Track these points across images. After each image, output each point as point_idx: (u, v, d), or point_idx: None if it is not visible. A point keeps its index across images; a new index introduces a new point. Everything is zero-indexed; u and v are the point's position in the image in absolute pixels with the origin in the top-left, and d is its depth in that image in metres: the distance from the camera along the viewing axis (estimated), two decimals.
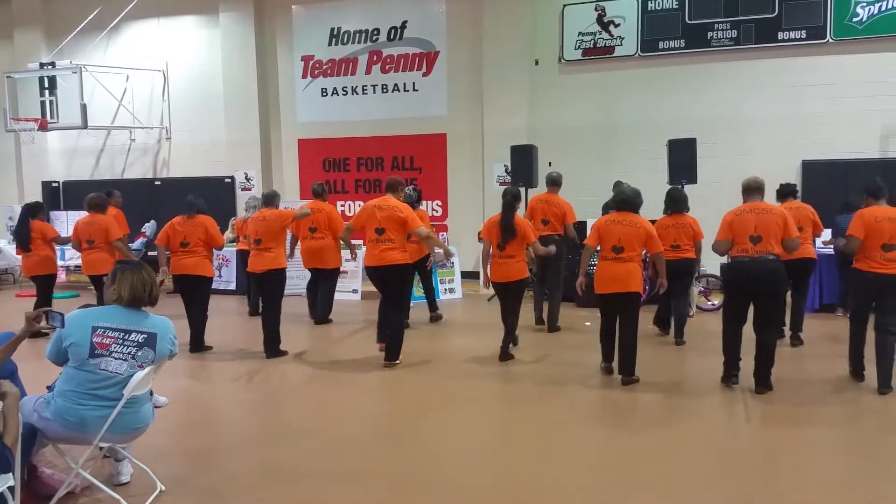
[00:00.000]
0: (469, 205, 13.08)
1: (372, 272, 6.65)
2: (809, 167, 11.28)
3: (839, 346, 6.37)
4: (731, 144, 11.66)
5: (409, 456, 4.55)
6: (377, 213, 6.58)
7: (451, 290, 11.65)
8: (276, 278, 7.33)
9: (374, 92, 13.88)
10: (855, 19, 11.07)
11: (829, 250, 8.69)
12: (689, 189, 9.13)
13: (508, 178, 11.77)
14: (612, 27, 12.33)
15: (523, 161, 10.86)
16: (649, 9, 12.08)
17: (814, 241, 7.47)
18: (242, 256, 9.64)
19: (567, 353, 7.38)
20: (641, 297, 6.13)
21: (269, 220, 7.37)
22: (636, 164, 11.58)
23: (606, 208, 11.10)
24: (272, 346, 7.30)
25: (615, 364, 6.15)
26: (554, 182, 8.64)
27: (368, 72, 13.87)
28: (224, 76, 14.25)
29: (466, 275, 12.06)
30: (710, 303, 9.93)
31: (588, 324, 8.53)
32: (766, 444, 4.73)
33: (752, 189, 5.72)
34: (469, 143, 13.26)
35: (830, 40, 11.22)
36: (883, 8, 10.92)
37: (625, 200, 6.17)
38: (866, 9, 11.01)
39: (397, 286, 6.72)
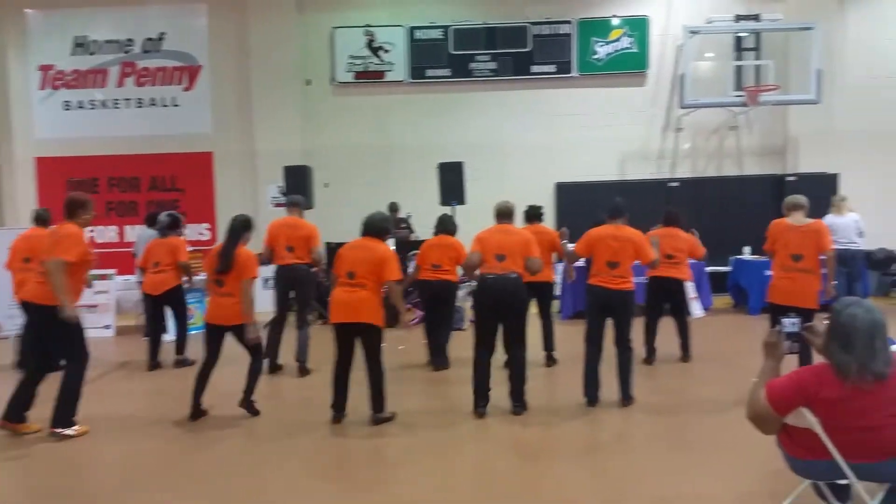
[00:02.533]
0: None
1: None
2: (562, 188, 12.37)
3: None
4: (495, 168, 12.41)
5: None
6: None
7: None
8: None
9: (129, 106, 12.80)
10: (595, 57, 12.40)
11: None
12: (459, 210, 9.49)
13: (283, 199, 11.40)
14: (381, 52, 12.59)
15: (298, 182, 10.59)
16: (416, 37, 12.52)
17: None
18: None
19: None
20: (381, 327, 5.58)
21: None
22: (411, 186, 11.85)
23: None
24: None
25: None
26: (296, 204, 7.60)
27: (121, 84, 12.76)
28: None
29: None
30: None
31: (402, 347, 8.32)
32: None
33: (503, 213, 6.06)
34: (239, 163, 12.72)
35: (576, 75, 12.45)
36: (617, 48, 12.37)
37: (368, 224, 5.66)
38: (604, 48, 12.39)
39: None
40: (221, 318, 5.61)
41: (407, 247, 10.67)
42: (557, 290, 7.44)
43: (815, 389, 2.90)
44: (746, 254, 10.60)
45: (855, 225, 9.62)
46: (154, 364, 7.64)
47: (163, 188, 12.84)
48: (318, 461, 4.84)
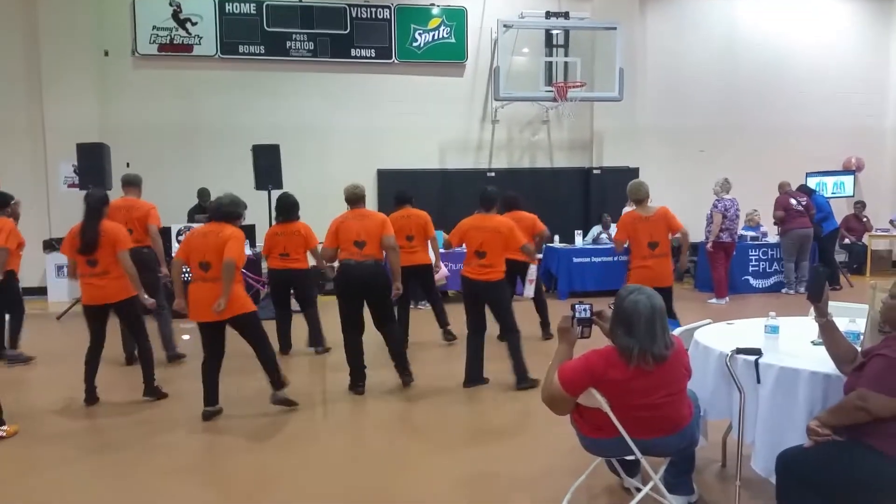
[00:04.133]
0: (31, 210, 11.12)
1: None
2: (384, 175, 12.28)
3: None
4: (315, 151, 12.06)
5: None
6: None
7: None
8: None
9: None
10: (414, 44, 12.41)
11: None
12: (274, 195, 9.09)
13: (77, 178, 10.35)
14: (188, 24, 11.75)
15: (93, 161, 9.64)
16: (227, 11, 11.81)
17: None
18: None
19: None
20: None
21: None
22: (223, 170, 11.19)
23: (192, 215, 10.58)
24: None
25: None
26: (131, 183, 7.13)
27: None
28: None
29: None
30: None
31: (186, 337, 7.82)
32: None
33: (356, 198, 5.92)
34: (27, 139, 11.39)
35: (396, 61, 12.38)
36: (436, 37, 12.45)
37: (215, 208, 5.29)
38: (423, 36, 12.42)
39: None
40: (102, 297, 5.44)
41: None
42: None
43: (602, 371, 2.99)
44: (556, 242, 11.11)
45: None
46: None
47: None
48: (189, 455, 4.53)
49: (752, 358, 3.30)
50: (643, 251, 6.37)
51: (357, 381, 5.84)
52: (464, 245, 6.05)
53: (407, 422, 5.27)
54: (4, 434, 4.82)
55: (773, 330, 3.65)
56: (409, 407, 5.54)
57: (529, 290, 7.69)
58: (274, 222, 7.44)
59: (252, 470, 4.31)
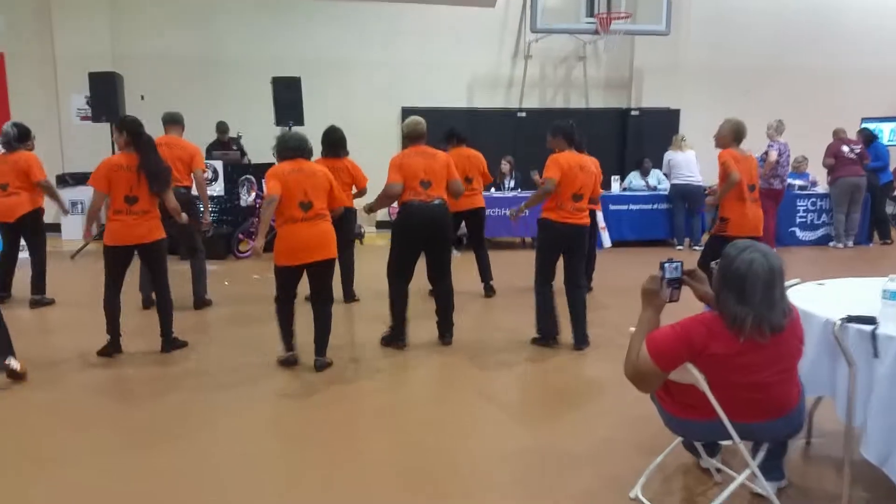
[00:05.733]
0: (43, 145, 10.63)
1: None
2: (409, 114, 11.55)
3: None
4: (335, 87, 11.43)
5: None
6: None
7: None
8: None
9: None
10: None
11: None
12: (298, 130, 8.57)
13: (90, 111, 9.86)
14: None
15: (106, 92, 9.16)
16: None
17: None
18: None
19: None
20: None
21: None
22: (242, 104, 10.66)
23: (211, 151, 10.09)
24: None
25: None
26: (175, 121, 6.59)
27: None
28: None
29: None
30: None
31: (256, 277, 7.52)
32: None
33: (419, 134, 5.33)
34: (38, 67, 10.89)
35: None
36: None
37: (294, 148, 4.82)
38: None
39: None
40: (135, 236, 5.02)
41: (239, 171, 9.63)
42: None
43: (703, 343, 2.51)
44: None
45: (695, 160, 9.81)
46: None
47: None
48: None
49: (869, 328, 2.80)
50: (744, 193, 5.49)
51: (401, 335, 5.37)
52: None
53: (450, 384, 4.83)
54: (18, 368, 4.50)
55: (894, 296, 3.11)
56: (452, 365, 5.10)
57: (607, 240, 7.31)
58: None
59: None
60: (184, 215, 5.43)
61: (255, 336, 5.62)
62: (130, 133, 4.92)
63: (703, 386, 2.57)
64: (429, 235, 5.20)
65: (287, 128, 9.14)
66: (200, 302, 6.51)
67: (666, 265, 2.79)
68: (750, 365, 2.50)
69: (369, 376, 4.82)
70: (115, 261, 5.04)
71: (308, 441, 3.78)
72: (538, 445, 3.68)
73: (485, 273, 7.10)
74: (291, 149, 4.78)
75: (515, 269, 7.72)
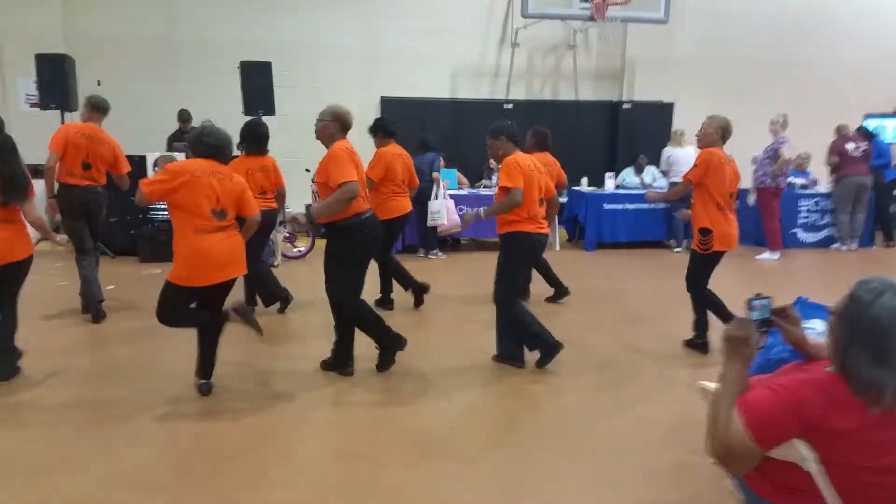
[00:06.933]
0: None
1: None
2: (388, 104, 10.91)
3: None
4: (309, 74, 10.64)
5: None
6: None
7: None
8: None
9: None
10: None
11: None
12: (268, 121, 7.79)
13: (37, 98, 8.96)
14: None
15: (55, 75, 8.26)
16: None
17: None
18: None
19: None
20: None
21: None
22: (204, 91, 9.85)
23: (171, 142, 9.30)
24: None
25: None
26: (98, 108, 5.86)
27: None
28: None
29: None
30: (295, 249, 8.91)
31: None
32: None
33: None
34: None
35: None
36: None
37: (211, 145, 4.02)
38: None
39: None
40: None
41: None
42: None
43: (821, 415, 1.85)
44: (584, 185, 9.92)
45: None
46: None
47: None
48: None
49: None
50: (726, 201, 4.96)
51: (391, 358, 4.62)
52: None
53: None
54: None
55: None
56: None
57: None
58: (240, 154, 5.81)
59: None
60: (62, 237, 4.63)
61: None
62: None
63: (814, 468, 1.92)
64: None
65: (257, 116, 8.33)
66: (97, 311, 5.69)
67: (755, 302, 2.14)
68: (882, 443, 1.85)
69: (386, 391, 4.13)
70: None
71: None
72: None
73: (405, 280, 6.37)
74: (207, 145, 3.95)
75: None
